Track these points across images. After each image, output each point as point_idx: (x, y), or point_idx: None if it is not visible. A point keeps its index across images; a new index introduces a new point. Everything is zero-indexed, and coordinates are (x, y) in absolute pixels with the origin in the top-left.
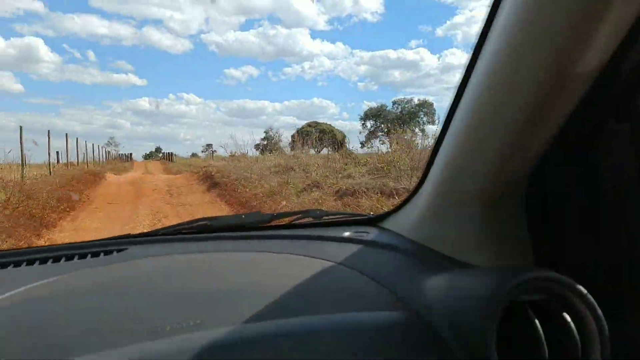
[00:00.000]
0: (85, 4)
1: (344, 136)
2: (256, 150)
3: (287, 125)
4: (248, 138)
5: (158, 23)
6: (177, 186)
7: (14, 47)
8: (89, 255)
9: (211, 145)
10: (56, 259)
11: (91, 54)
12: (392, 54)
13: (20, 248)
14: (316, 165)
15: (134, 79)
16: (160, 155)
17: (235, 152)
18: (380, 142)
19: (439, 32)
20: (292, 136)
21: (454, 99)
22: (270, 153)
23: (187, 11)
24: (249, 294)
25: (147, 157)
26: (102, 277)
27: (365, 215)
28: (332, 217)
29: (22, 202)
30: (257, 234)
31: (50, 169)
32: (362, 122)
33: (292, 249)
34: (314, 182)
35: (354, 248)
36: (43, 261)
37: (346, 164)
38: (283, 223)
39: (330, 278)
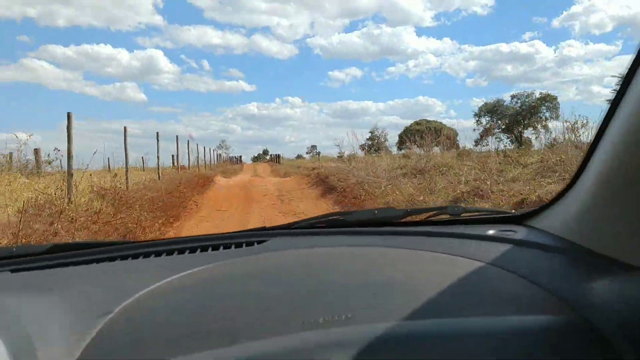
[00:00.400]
0: (201, 16)
1: (456, 134)
2: (361, 150)
3: (390, 125)
4: (352, 138)
5: (266, 30)
6: (287, 190)
7: (137, 59)
8: (233, 246)
9: (315, 146)
10: (203, 249)
11: (206, 64)
12: (504, 47)
13: (169, 238)
14: (459, 165)
15: (244, 85)
16: (268, 157)
17: (344, 153)
18: (497, 139)
19: (555, 23)
20: (400, 135)
21: (622, 85)
22: (377, 153)
23: (294, 17)
24: (397, 290)
25: (256, 159)
26: (250, 267)
27: (509, 213)
28: (472, 213)
29: (118, 212)
30: (391, 229)
31: (159, 173)
32: (477, 118)
33: (431, 246)
34: (473, 188)
35: (500, 247)
36: (192, 250)
37: (500, 163)
38: (418, 219)
39: (480, 278)
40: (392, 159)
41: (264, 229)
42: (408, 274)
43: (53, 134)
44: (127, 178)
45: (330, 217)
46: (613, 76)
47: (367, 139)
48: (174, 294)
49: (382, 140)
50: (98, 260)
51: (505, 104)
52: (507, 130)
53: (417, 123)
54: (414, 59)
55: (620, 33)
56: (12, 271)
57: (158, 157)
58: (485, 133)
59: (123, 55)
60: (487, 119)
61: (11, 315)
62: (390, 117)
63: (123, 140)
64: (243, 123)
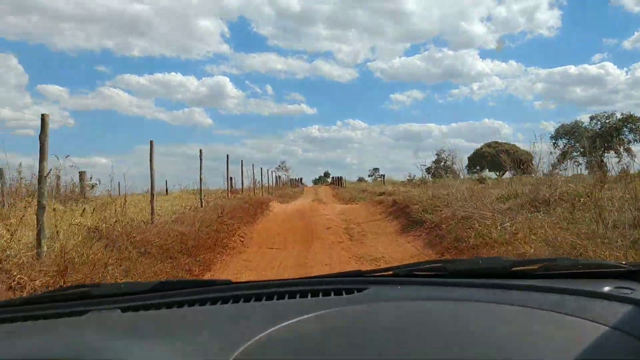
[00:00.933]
0: (264, 44)
1: (532, 157)
2: (428, 174)
3: (454, 147)
4: (415, 161)
5: (327, 55)
6: (356, 222)
7: (205, 86)
8: (332, 293)
9: (378, 169)
10: (303, 294)
11: (269, 88)
12: (572, 69)
13: (269, 280)
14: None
15: (305, 108)
16: (329, 179)
17: (413, 177)
18: (575, 163)
19: (626, 44)
20: (470, 158)
21: None
22: (443, 178)
23: (355, 42)
24: (510, 352)
25: (317, 181)
26: (355, 319)
27: (622, 266)
28: (582, 267)
29: (129, 256)
30: (497, 282)
31: (201, 198)
32: (554, 141)
33: (541, 303)
34: None
35: (619, 307)
36: (292, 295)
37: None
38: (525, 270)
39: (598, 342)
40: (520, 184)
41: (359, 273)
42: (522, 335)
43: (126, 158)
44: (152, 208)
45: (432, 265)
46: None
47: (433, 162)
48: (282, 344)
49: (450, 163)
50: (201, 302)
51: (584, 125)
52: (587, 152)
53: (487, 145)
54: (478, 82)
55: None
56: (122, 310)
57: (200, 179)
58: (563, 156)
59: (192, 82)
60: (565, 141)
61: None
62: (455, 139)
63: (195, 163)
64: (304, 145)
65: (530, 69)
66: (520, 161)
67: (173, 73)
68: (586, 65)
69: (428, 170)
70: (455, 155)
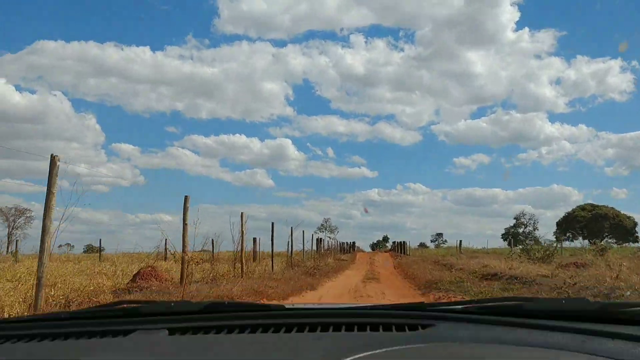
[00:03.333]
0: (327, 106)
1: (635, 224)
2: (504, 240)
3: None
4: (478, 227)
5: (390, 118)
6: None
7: (268, 147)
8: (394, 328)
9: (442, 234)
10: (361, 327)
11: (330, 151)
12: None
13: (321, 307)
14: None
15: (366, 171)
16: (389, 245)
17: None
18: None
19: None
20: (559, 223)
21: None
22: (525, 245)
23: (419, 104)
24: None
25: (375, 246)
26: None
27: None
28: None
29: None
30: (585, 327)
31: None
32: None
33: (634, 355)
34: None
35: None
36: (348, 327)
37: None
38: (617, 314)
39: None
40: None
41: (422, 306)
42: None
43: (192, 215)
44: None
45: (506, 302)
46: None
47: (511, 227)
48: None
49: (532, 228)
50: (253, 328)
51: None
52: None
53: (581, 208)
54: (547, 146)
55: None
56: (170, 331)
57: None
58: None
59: (255, 144)
60: None
61: None
62: (522, 205)
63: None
64: (363, 209)
65: (601, 134)
66: (624, 227)
67: (237, 135)
68: None
69: (504, 236)
70: (537, 220)
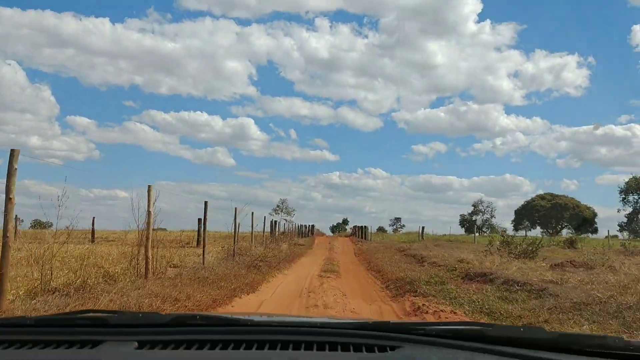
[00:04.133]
0: (291, 88)
1: (594, 214)
2: (461, 228)
3: (474, 201)
4: (434, 213)
5: (352, 104)
6: None
7: (230, 126)
8: (364, 348)
9: (400, 218)
10: (320, 346)
11: (293, 133)
12: (597, 129)
13: (286, 322)
14: None
15: (327, 154)
16: (348, 228)
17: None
18: None
19: None
20: (517, 211)
21: None
22: (483, 232)
23: (380, 92)
24: None
25: (334, 229)
26: None
27: None
28: (634, 349)
29: None
30: (541, 356)
31: None
32: (623, 197)
33: None
34: None
35: None
36: (308, 346)
37: None
38: (570, 345)
39: None
40: None
41: (388, 326)
42: None
43: (146, 192)
44: None
45: (468, 327)
46: None
47: (469, 214)
48: None
49: (489, 216)
50: (224, 344)
51: None
52: None
53: (541, 197)
54: (502, 137)
55: None
56: (139, 344)
57: None
58: (635, 215)
59: (217, 122)
60: (636, 197)
61: None
62: (475, 193)
63: (213, 203)
64: (324, 191)
65: (555, 127)
66: (583, 218)
67: (199, 112)
68: (612, 126)
69: (463, 223)
70: (495, 208)
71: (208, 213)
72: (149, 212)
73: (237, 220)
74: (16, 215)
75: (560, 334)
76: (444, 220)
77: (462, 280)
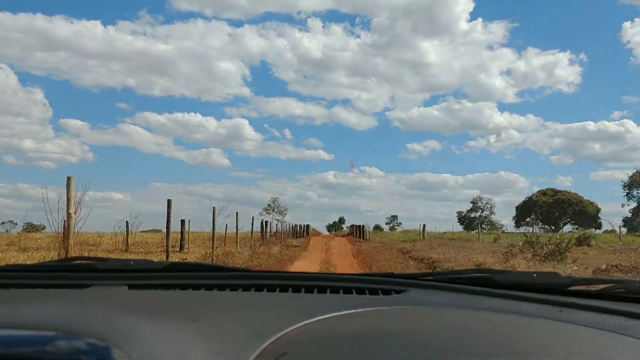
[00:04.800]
0: (285, 89)
1: (599, 210)
2: (460, 225)
3: (469, 199)
4: (429, 211)
5: (346, 103)
6: None
7: (224, 127)
8: (367, 292)
9: (396, 216)
10: (334, 290)
11: (287, 133)
12: (591, 126)
13: (292, 272)
14: None
15: (322, 154)
16: (346, 227)
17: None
18: None
19: None
20: (517, 207)
21: None
22: (483, 229)
23: (374, 91)
24: None
25: (331, 227)
26: (393, 322)
27: None
28: None
29: None
30: (555, 298)
31: None
32: (627, 191)
33: (608, 325)
34: None
35: None
36: (321, 290)
37: None
38: (585, 290)
39: None
40: None
41: (392, 275)
42: (588, 356)
43: (142, 194)
44: None
45: (480, 274)
46: None
47: (468, 210)
48: (315, 341)
49: (489, 213)
50: (220, 287)
51: None
52: None
53: (542, 193)
54: (496, 134)
55: None
56: (129, 287)
57: None
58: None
59: (211, 123)
60: None
61: (134, 334)
62: (470, 190)
63: (206, 203)
64: (319, 191)
65: (548, 124)
66: (587, 214)
67: (192, 113)
68: (605, 122)
69: (462, 220)
70: (494, 205)
71: (203, 214)
72: (68, 215)
73: (219, 221)
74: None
75: (576, 278)
76: (439, 218)
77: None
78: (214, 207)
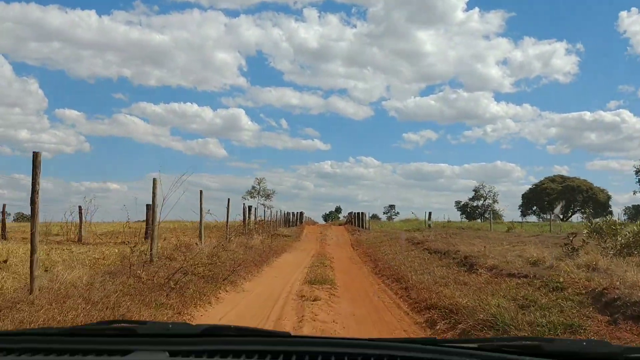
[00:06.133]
0: (281, 79)
1: (609, 197)
2: (462, 214)
3: (466, 188)
4: (426, 200)
5: (343, 93)
6: None
7: (220, 117)
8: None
9: (394, 206)
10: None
11: (284, 122)
12: (587, 115)
13: (330, 337)
14: None
15: (319, 144)
16: (344, 217)
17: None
18: None
19: None
20: (524, 195)
21: None
22: (486, 219)
23: (370, 81)
24: None
25: (327, 217)
26: None
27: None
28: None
29: None
30: None
31: None
32: (639, 178)
33: None
34: None
35: None
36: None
37: None
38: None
39: None
40: None
41: (435, 341)
42: None
43: (139, 184)
44: None
45: (524, 342)
46: None
47: (470, 199)
48: None
49: (492, 201)
50: (261, 354)
51: None
52: None
53: (551, 180)
54: (492, 124)
55: None
56: (170, 353)
57: None
58: None
59: (207, 113)
60: None
61: None
62: (467, 180)
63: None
64: (316, 180)
65: (544, 114)
66: (597, 201)
67: (189, 103)
68: (601, 112)
69: (464, 208)
70: (497, 193)
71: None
72: None
73: (158, 204)
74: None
75: (626, 348)
76: (435, 208)
77: (606, 322)
78: (200, 191)
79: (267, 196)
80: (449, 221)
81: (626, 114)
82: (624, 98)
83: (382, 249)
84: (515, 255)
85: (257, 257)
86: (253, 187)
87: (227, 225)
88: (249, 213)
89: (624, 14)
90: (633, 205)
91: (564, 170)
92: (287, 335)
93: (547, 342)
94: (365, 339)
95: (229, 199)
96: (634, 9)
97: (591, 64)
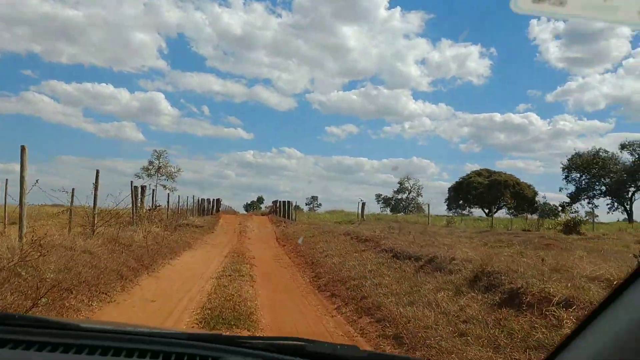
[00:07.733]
0: (203, 64)
1: (536, 193)
2: (386, 206)
3: (383, 183)
4: (346, 193)
5: (267, 82)
6: None
7: (137, 100)
8: (185, 358)
9: (317, 197)
10: (166, 356)
11: (206, 109)
12: (497, 117)
13: (120, 329)
14: None
15: (242, 132)
16: (267, 207)
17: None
18: (590, 204)
19: (549, 97)
20: (452, 189)
21: None
22: (409, 213)
23: (295, 72)
24: None
25: (249, 207)
26: None
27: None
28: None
29: None
30: None
31: None
32: (566, 173)
33: None
34: None
35: None
36: (154, 355)
37: None
38: None
39: None
40: None
41: (219, 338)
42: None
43: (48, 166)
44: None
45: (292, 342)
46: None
47: (395, 192)
48: None
49: (416, 194)
50: (53, 347)
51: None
52: (611, 192)
53: (477, 174)
54: (410, 121)
55: (614, 112)
56: None
57: None
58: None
59: (124, 95)
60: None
61: None
62: (385, 174)
63: (119, 178)
64: (238, 170)
65: (458, 113)
66: (524, 197)
67: (104, 84)
68: (511, 114)
69: (387, 201)
70: (422, 187)
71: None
72: None
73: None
74: None
75: (370, 353)
76: (355, 200)
77: None
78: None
79: (170, 175)
80: (378, 214)
81: (534, 116)
82: (532, 102)
83: (318, 246)
84: (577, 275)
85: (132, 263)
86: (150, 163)
87: (94, 211)
88: (142, 195)
89: (534, 21)
90: (545, 202)
91: (474, 168)
92: (76, 327)
93: (309, 342)
94: (152, 332)
95: (97, 170)
96: (543, 18)
97: (503, 68)
